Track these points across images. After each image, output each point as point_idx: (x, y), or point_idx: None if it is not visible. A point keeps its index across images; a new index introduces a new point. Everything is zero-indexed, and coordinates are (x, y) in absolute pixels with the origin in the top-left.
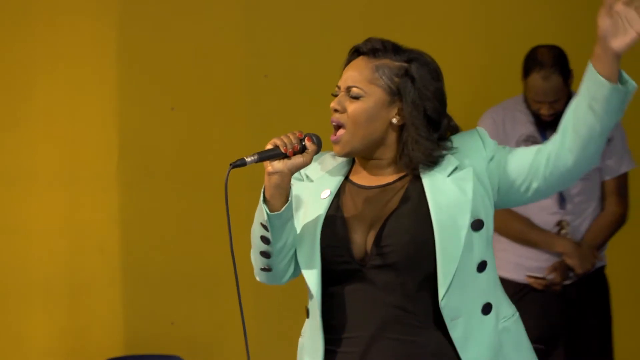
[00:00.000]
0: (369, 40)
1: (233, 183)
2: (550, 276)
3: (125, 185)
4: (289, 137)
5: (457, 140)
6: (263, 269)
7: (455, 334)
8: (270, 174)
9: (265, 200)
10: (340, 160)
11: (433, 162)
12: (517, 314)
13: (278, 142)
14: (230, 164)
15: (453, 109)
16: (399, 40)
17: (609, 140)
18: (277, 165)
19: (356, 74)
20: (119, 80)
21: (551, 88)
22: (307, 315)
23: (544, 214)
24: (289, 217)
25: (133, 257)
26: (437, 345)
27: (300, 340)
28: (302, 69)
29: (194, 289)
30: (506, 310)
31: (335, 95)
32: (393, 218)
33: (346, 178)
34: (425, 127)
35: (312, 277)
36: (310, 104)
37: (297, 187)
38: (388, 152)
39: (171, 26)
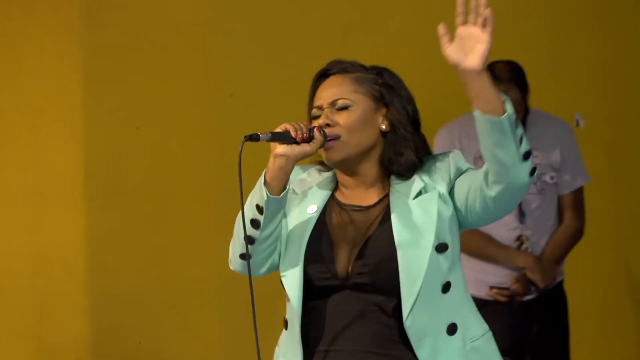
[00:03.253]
0: (336, 61)
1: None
2: (514, 287)
3: (91, 204)
4: (299, 124)
5: (428, 161)
6: (242, 256)
7: (422, 354)
8: (277, 155)
9: (265, 182)
10: (326, 175)
11: (415, 166)
12: (488, 334)
13: (289, 127)
14: (245, 137)
15: None
16: (362, 57)
17: (564, 158)
18: (285, 148)
19: (337, 89)
20: (83, 99)
21: None
22: (286, 327)
23: (503, 229)
24: (283, 206)
25: (99, 276)
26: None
27: (277, 349)
28: (268, 88)
29: (161, 308)
30: (475, 330)
31: (315, 117)
32: (371, 241)
33: (332, 195)
34: (411, 127)
35: (293, 290)
36: (276, 122)
37: None
38: (371, 166)
39: (136, 45)
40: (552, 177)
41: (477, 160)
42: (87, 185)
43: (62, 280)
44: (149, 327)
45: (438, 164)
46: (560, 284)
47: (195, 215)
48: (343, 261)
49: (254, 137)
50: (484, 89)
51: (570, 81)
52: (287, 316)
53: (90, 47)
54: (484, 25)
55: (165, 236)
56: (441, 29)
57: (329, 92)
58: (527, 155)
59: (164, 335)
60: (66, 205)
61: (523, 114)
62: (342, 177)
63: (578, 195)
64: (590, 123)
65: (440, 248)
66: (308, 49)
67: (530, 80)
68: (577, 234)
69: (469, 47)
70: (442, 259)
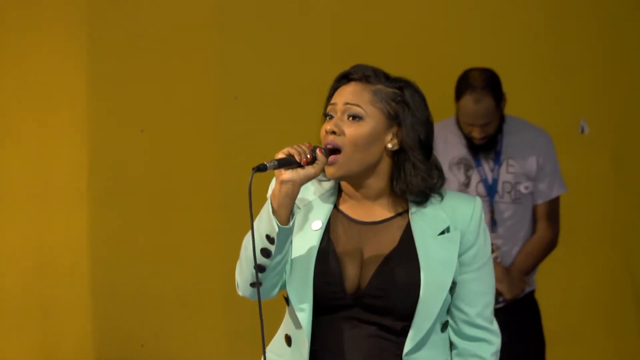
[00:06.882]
0: (359, 67)
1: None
2: None
3: (95, 206)
4: (301, 147)
5: (452, 198)
6: (253, 284)
7: None
8: (283, 182)
9: (273, 211)
10: (327, 187)
11: (427, 193)
12: None
13: (293, 152)
14: (253, 168)
15: None
16: (365, 61)
17: (541, 167)
18: (291, 174)
19: (355, 94)
20: (88, 101)
21: (483, 110)
22: (289, 344)
23: None
24: (292, 232)
25: (103, 277)
26: None
27: (270, 356)
28: (272, 91)
29: (164, 310)
30: None
31: (329, 115)
32: (391, 261)
33: (335, 207)
34: (420, 152)
35: (303, 311)
36: (280, 126)
37: None
38: (378, 181)
39: (141, 47)
40: (526, 187)
41: (453, 167)
42: (92, 187)
43: (66, 281)
44: (152, 329)
45: (461, 207)
46: (531, 294)
47: (199, 217)
48: (352, 278)
49: (261, 168)
50: None
51: (574, 88)
52: (290, 333)
53: (95, 48)
54: None
55: (169, 238)
56: None
57: (348, 92)
58: None
59: (166, 337)
60: (70, 206)
61: (498, 122)
62: (348, 188)
63: (553, 205)
64: (595, 130)
65: (452, 289)
66: (313, 52)
67: (534, 86)
68: (549, 245)
69: None
70: (449, 299)
